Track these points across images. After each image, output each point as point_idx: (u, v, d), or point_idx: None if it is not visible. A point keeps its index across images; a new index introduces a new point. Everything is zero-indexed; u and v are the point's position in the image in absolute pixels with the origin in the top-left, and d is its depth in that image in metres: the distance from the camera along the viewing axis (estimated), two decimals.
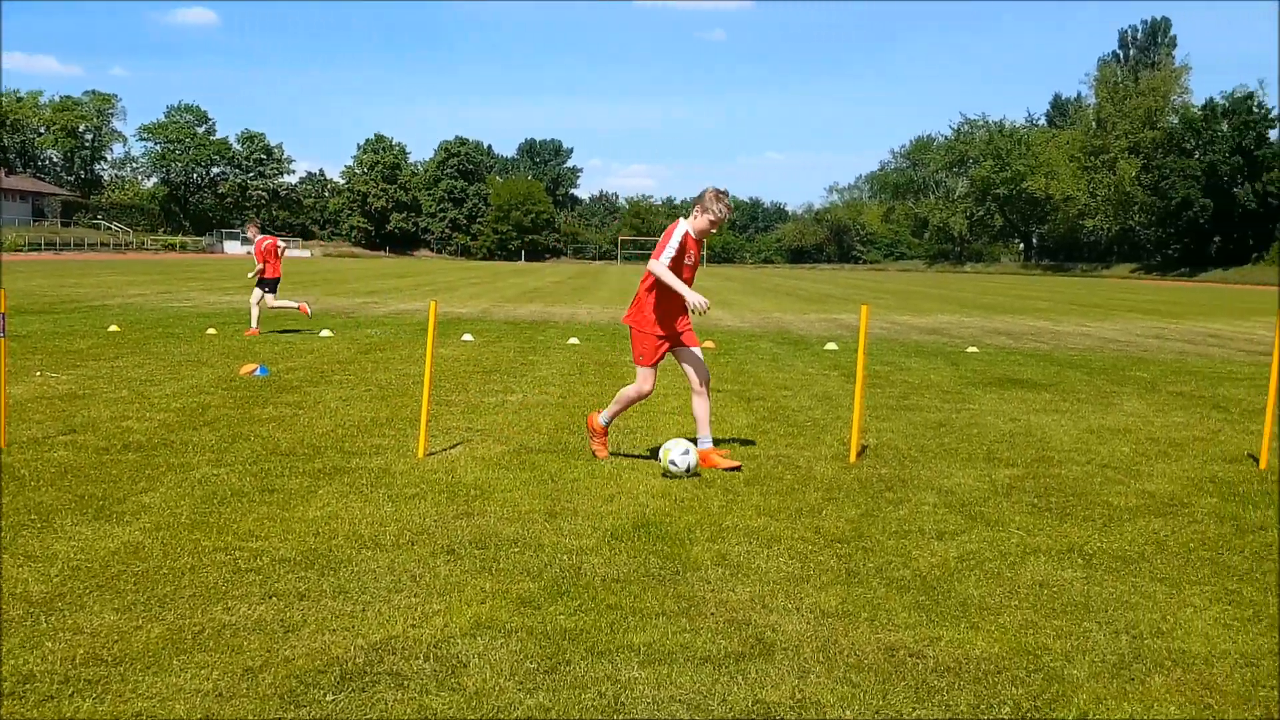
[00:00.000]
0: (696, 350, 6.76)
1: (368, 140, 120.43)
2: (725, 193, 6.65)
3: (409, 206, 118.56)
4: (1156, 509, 5.69)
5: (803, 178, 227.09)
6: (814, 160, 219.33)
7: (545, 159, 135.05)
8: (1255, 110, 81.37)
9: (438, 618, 3.73)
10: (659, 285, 6.50)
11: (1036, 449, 7.39)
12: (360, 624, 3.65)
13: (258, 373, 10.19)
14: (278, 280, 15.04)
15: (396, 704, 3.03)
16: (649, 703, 3.08)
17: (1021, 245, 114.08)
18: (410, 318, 18.76)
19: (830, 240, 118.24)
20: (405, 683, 3.17)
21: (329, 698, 3.06)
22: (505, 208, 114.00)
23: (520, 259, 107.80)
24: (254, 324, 14.69)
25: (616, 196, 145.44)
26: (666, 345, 6.67)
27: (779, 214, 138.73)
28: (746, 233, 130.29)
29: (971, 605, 4.05)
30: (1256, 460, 7.02)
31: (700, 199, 6.62)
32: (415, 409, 8.00)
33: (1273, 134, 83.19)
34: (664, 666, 3.34)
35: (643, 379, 6.66)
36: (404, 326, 16.76)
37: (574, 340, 14.76)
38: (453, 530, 4.88)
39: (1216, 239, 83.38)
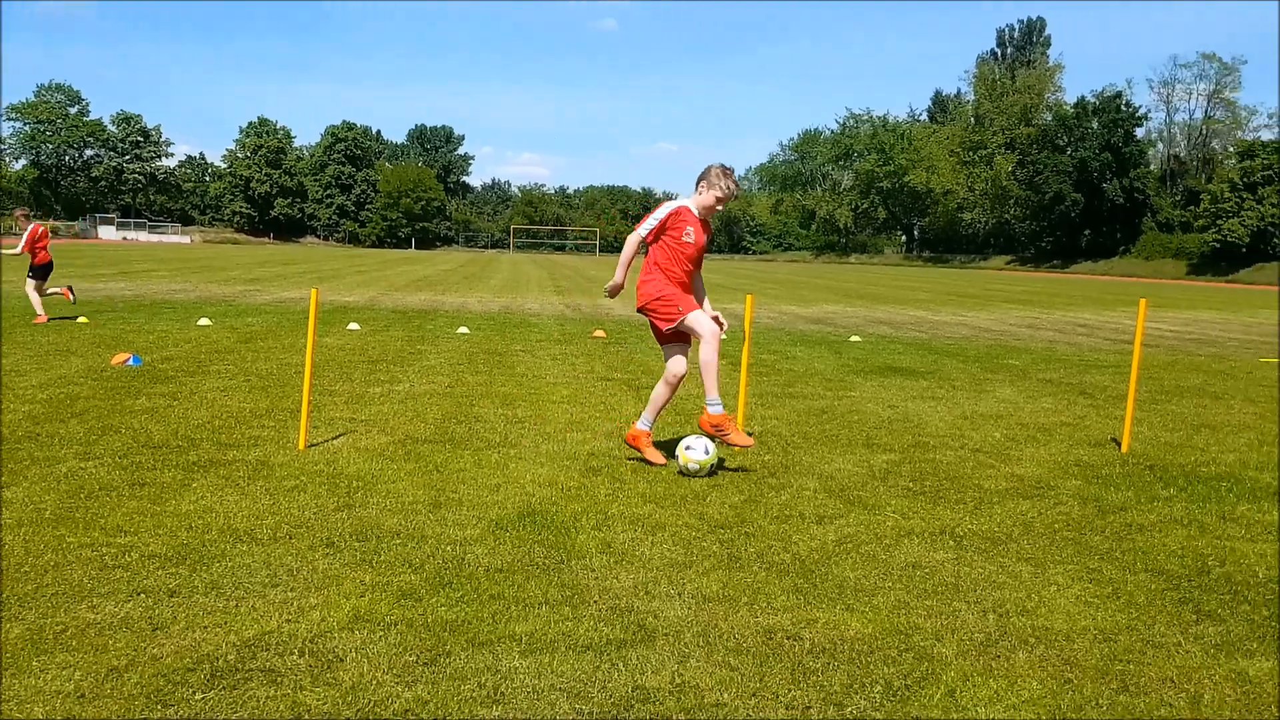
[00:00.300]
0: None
1: (250, 124, 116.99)
2: (731, 170, 6.35)
3: (294, 192, 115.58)
4: (1024, 491, 5.92)
5: (695, 169, 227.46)
6: (705, 151, 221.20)
7: (436, 145, 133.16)
8: (1124, 109, 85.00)
9: (314, 612, 3.66)
10: (657, 263, 6.24)
11: (913, 435, 7.60)
12: (233, 620, 3.56)
13: (130, 363, 9.82)
14: (48, 267, 14.40)
15: (269, 701, 2.97)
16: (529, 692, 3.08)
17: (904, 237, 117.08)
18: (294, 306, 18.31)
19: (721, 230, 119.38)
20: (279, 679, 3.11)
21: (198, 696, 2.98)
22: (395, 194, 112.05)
23: (411, 247, 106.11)
24: (40, 311, 14.00)
25: (509, 185, 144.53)
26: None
27: None
28: (639, 222, 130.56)
29: (847, 587, 4.16)
30: (1119, 444, 7.35)
31: (705, 175, 6.27)
32: (296, 399, 7.82)
33: (1139, 132, 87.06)
34: (545, 655, 3.35)
35: (710, 337, 6.16)
36: (287, 315, 16.34)
37: (464, 329, 14.61)
38: (333, 523, 4.79)
39: (1087, 232, 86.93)
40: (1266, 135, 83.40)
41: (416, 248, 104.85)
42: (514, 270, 43.20)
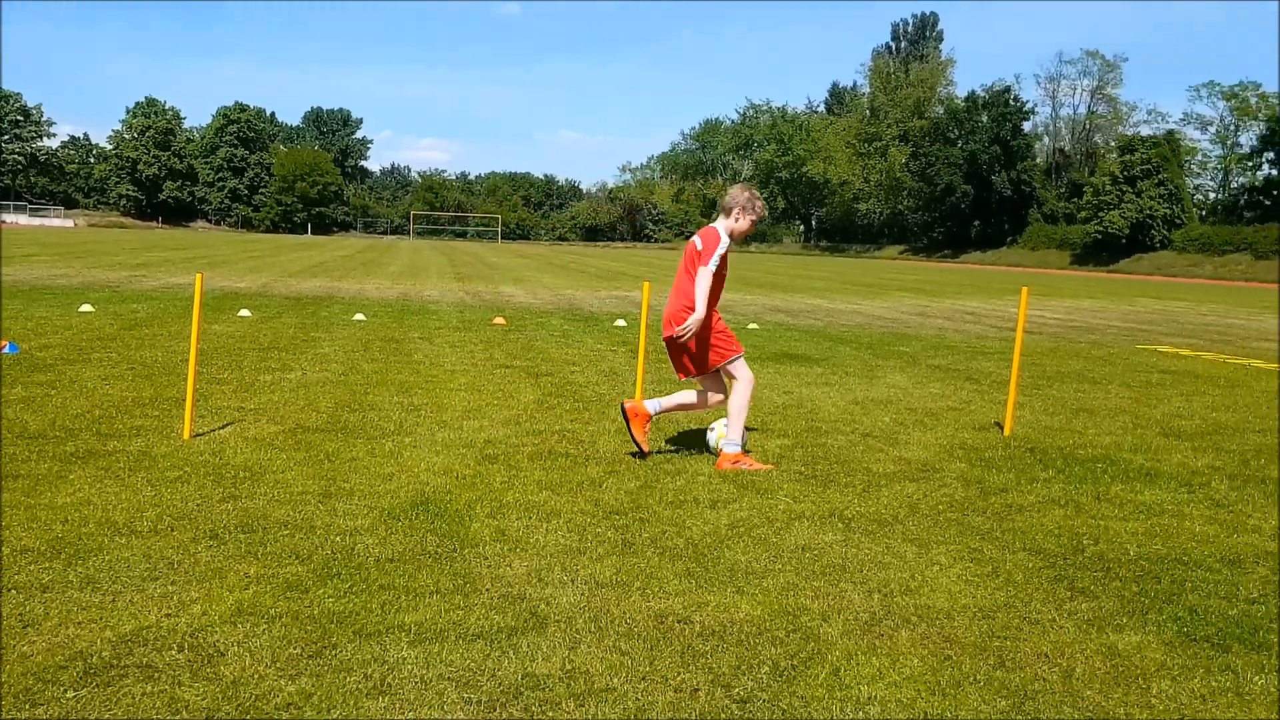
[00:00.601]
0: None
1: (138, 104, 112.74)
2: (758, 193, 6.43)
3: (184, 175, 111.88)
4: (911, 474, 6.08)
5: (597, 156, 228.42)
6: (608, 139, 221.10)
7: (333, 129, 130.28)
8: (1011, 103, 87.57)
9: (195, 606, 3.56)
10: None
11: (807, 420, 7.74)
12: (109, 615, 3.44)
13: (7, 350, 9.40)
14: None
15: (145, 698, 2.88)
16: (417, 682, 3.05)
17: (802, 227, 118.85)
18: (182, 292, 17.74)
19: (623, 219, 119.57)
20: (156, 675, 3.02)
21: (69, 695, 2.87)
22: (290, 178, 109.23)
23: (306, 232, 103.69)
24: None
25: (409, 170, 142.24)
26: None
27: (573, 192, 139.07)
28: (541, 210, 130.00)
29: (739, 570, 4.21)
30: (1001, 427, 7.60)
31: (740, 200, 6.26)
32: (182, 388, 7.58)
33: (1027, 126, 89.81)
34: (435, 645, 3.32)
35: (744, 366, 6.33)
36: (174, 301, 15.83)
37: (360, 316, 14.35)
38: (217, 514, 4.66)
39: (976, 223, 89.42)
40: (1146, 130, 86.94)
41: (313, 233, 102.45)
42: (414, 257, 42.58)
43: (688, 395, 6.50)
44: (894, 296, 26.91)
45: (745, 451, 6.27)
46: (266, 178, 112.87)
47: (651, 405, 6.29)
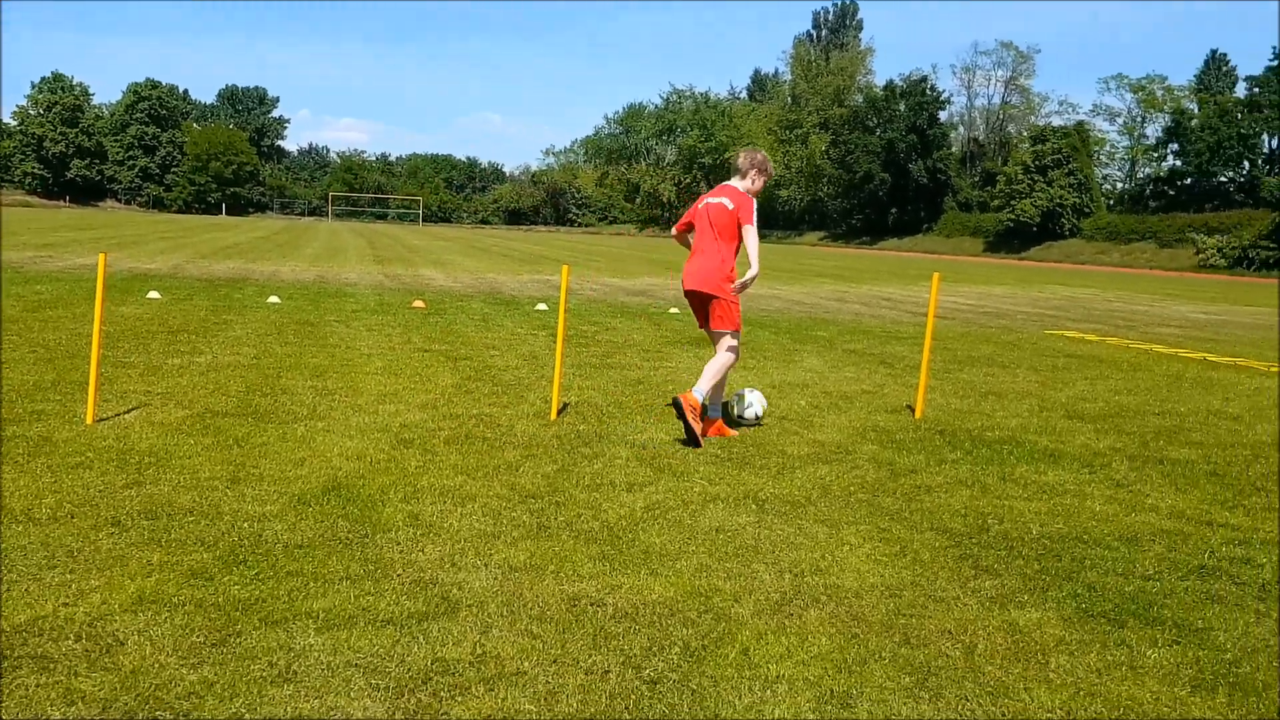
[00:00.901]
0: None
1: (44, 79, 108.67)
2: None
3: (92, 153, 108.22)
4: (825, 456, 6.17)
5: (520, 140, 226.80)
6: (531, 122, 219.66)
7: (249, 107, 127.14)
8: (928, 93, 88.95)
9: (95, 594, 3.46)
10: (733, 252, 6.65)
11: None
12: (3, 605, 3.33)
13: None
14: None
15: (40, 689, 2.80)
16: (323, 669, 3.01)
17: None
18: (88, 273, 17.17)
19: (547, 203, 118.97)
20: (51, 665, 2.93)
21: None
22: (204, 158, 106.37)
23: (221, 213, 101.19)
24: None
25: (327, 150, 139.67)
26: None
27: (496, 175, 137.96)
28: (463, 193, 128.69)
29: (653, 553, 4.24)
30: (913, 410, 7.75)
31: (757, 162, 6.70)
32: (86, 371, 7.35)
33: (943, 115, 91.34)
34: (343, 631, 3.27)
35: (736, 347, 6.76)
36: (80, 283, 15.33)
37: (274, 299, 14.05)
38: (120, 500, 4.54)
39: (894, 210, 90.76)
40: (1057, 121, 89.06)
41: (227, 214, 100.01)
42: (332, 239, 41.83)
43: (707, 368, 6.75)
44: (813, 282, 27.23)
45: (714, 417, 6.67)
46: (179, 157, 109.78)
47: (698, 393, 6.44)
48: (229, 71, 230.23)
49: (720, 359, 6.64)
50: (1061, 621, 3.73)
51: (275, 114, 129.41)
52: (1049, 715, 3.01)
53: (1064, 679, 3.26)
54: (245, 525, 4.30)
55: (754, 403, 6.96)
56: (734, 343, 6.73)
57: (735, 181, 6.78)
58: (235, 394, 7.16)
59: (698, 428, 6.25)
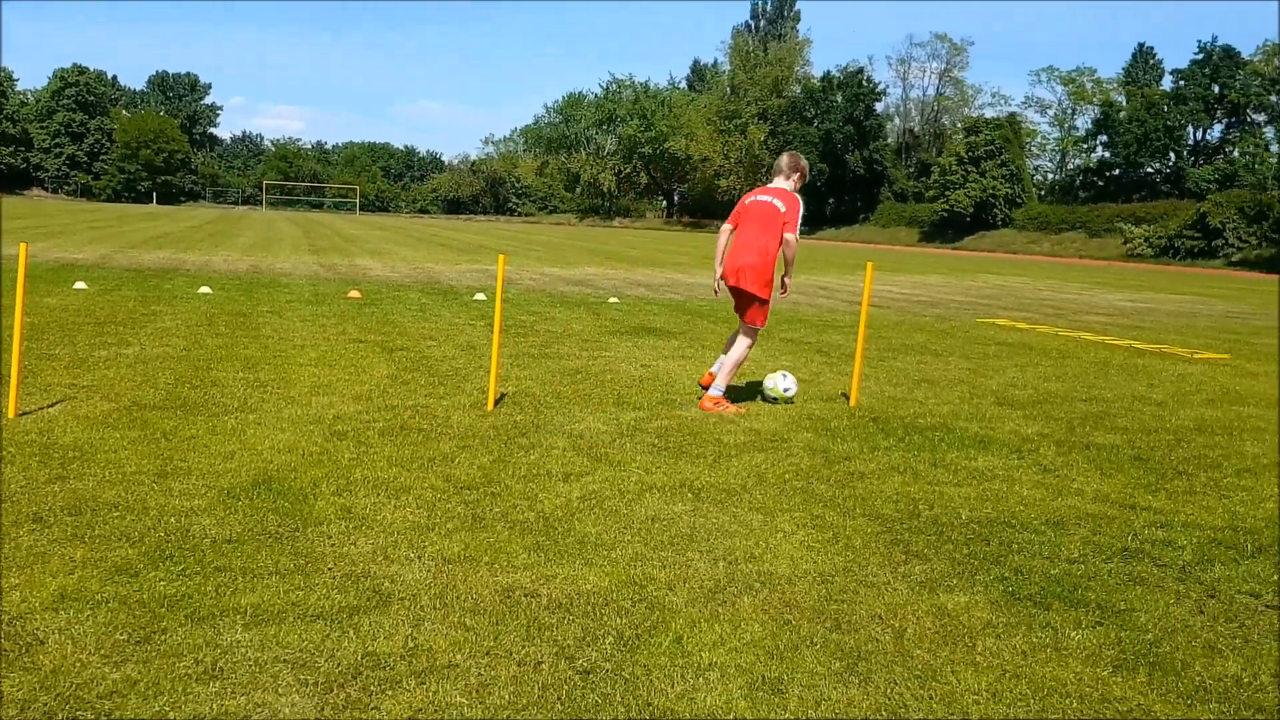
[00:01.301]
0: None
1: None
2: None
3: (17, 140, 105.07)
4: (760, 445, 6.21)
5: (458, 127, 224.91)
6: (470, 110, 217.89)
7: (180, 94, 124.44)
8: (864, 84, 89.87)
9: (15, 593, 3.37)
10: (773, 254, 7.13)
11: (662, 392, 7.82)
12: None
13: None
14: None
15: None
16: (250, 665, 2.96)
17: (665, 202, 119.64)
18: (10, 264, 16.70)
19: (486, 192, 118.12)
20: None
21: None
22: (133, 145, 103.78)
23: (152, 202, 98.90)
24: None
25: (262, 138, 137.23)
26: None
27: (435, 164, 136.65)
28: (401, 182, 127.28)
29: (588, 542, 4.24)
30: (848, 398, 7.84)
31: (801, 166, 7.43)
32: (7, 364, 7.15)
33: (879, 106, 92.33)
34: (271, 627, 3.23)
35: (754, 338, 7.42)
36: (3, 273, 14.89)
37: (206, 289, 13.78)
38: (42, 496, 4.42)
39: (831, 201, 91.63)
40: (990, 112, 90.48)
41: (158, 203, 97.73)
42: (266, 228, 41.12)
43: (727, 358, 7.36)
44: None
45: (726, 397, 7.28)
46: (108, 144, 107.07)
47: (715, 391, 7.20)
48: (159, 57, 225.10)
49: (736, 353, 7.26)
50: (989, 605, 3.81)
51: (208, 101, 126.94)
52: (975, 697, 3.06)
53: (990, 661, 3.32)
54: (172, 520, 4.22)
55: (789, 386, 7.60)
56: (752, 339, 7.40)
57: (780, 181, 7.34)
58: (164, 386, 7.01)
59: (730, 411, 7.04)
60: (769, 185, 7.34)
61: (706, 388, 7.34)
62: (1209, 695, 3.17)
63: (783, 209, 7.08)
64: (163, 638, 3.11)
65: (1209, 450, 6.74)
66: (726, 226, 7.41)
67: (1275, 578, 4.29)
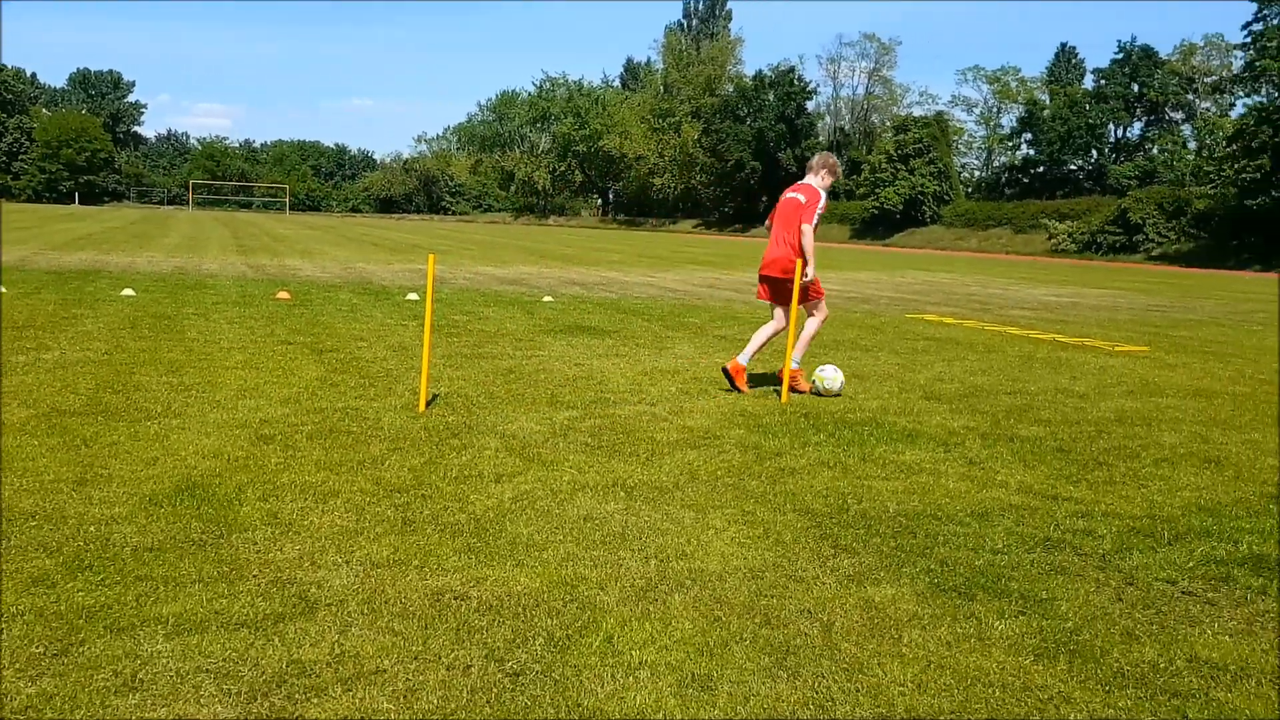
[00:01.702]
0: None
1: None
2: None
3: None
4: (693, 442, 6.24)
5: (390, 125, 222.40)
6: (402, 107, 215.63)
7: (102, 92, 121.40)
8: (796, 83, 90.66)
9: None
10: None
11: (596, 391, 7.82)
12: None
13: None
14: None
15: None
16: (171, 676, 2.91)
17: (600, 200, 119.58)
18: None
19: (420, 191, 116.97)
20: None
21: None
22: (54, 144, 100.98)
23: (74, 202, 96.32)
24: None
25: (187, 137, 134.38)
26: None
27: (367, 162, 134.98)
28: (332, 180, 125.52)
29: (520, 543, 4.22)
30: (779, 394, 7.91)
31: (828, 163, 8.02)
32: None
33: (810, 105, 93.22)
34: (193, 636, 3.17)
35: (821, 314, 8.24)
36: None
37: (129, 291, 13.47)
38: None
39: (764, 198, 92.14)
40: (918, 111, 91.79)
41: (81, 203, 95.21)
42: (193, 228, 40.29)
43: (761, 335, 8.19)
44: (686, 269, 27.50)
45: (797, 369, 8.04)
46: (27, 143, 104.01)
47: (743, 358, 8.05)
48: (80, 53, 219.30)
49: (812, 324, 8.15)
50: (915, 597, 3.87)
51: (131, 99, 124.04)
52: (901, 689, 3.11)
53: (916, 653, 3.38)
54: (91, 529, 4.12)
55: (835, 378, 8.08)
56: (822, 309, 8.23)
57: (809, 178, 7.98)
58: (84, 392, 6.84)
59: (804, 387, 7.96)
60: (800, 183, 8.05)
61: (733, 375, 7.94)
62: (1126, 681, 3.26)
63: (804, 201, 7.78)
64: (81, 650, 3.04)
65: (1128, 441, 6.92)
66: (767, 223, 8.27)
67: (1190, 564, 4.42)
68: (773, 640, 3.40)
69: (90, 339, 9.23)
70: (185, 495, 4.63)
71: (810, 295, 8.06)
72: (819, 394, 7.98)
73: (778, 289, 8.07)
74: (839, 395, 8.00)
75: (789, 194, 8.01)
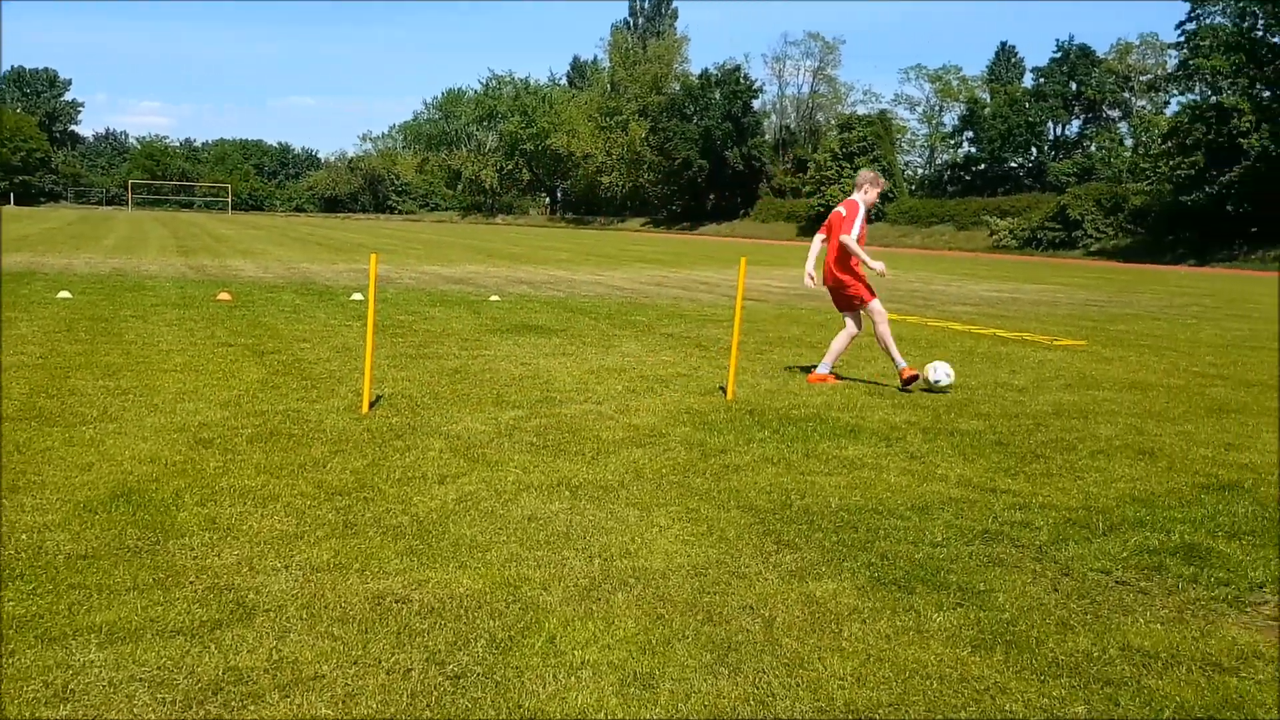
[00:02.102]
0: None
1: None
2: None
3: None
4: (639, 440, 6.25)
5: (334, 123, 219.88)
6: (346, 105, 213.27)
7: (37, 90, 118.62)
8: (741, 82, 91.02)
9: None
10: (846, 250, 8.52)
11: (542, 390, 7.80)
12: None
13: None
14: None
15: None
16: (104, 685, 2.85)
17: (548, 199, 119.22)
18: None
19: (365, 190, 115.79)
20: None
21: None
22: None
23: (9, 203, 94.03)
24: None
25: (126, 136, 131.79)
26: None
27: (311, 161, 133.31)
28: (276, 179, 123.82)
29: (463, 545, 4.20)
30: (725, 391, 7.95)
31: (869, 178, 8.74)
32: None
33: (756, 103, 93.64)
34: (127, 645, 3.11)
35: (880, 316, 8.72)
36: None
37: (65, 294, 13.19)
38: None
39: (712, 196, 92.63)
40: (862, 109, 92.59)
41: (16, 204, 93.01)
42: (132, 229, 39.53)
43: (838, 343, 8.83)
44: (634, 267, 27.51)
45: (830, 374, 8.74)
46: None
47: (823, 369, 8.74)
48: (14, 51, 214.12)
49: (882, 334, 8.66)
50: (856, 591, 3.91)
51: (68, 97, 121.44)
52: (840, 683, 3.15)
53: (855, 646, 3.41)
54: (23, 537, 4.03)
55: (944, 373, 8.48)
56: (879, 310, 8.71)
57: (854, 194, 8.69)
58: (18, 397, 6.69)
59: (912, 378, 8.41)
60: (846, 198, 8.76)
61: (904, 374, 8.47)
62: (1060, 671, 3.32)
63: (845, 214, 8.51)
64: (11, 660, 2.97)
65: (1066, 434, 7.05)
66: (818, 235, 8.96)
67: (1124, 554, 4.51)
68: (715, 637, 3.42)
69: (25, 343, 9.02)
70: (121, 501, 4.55)
71: (855, 305, 8.73)
72: (928, 389, 8.49)
73: (835, 298, 8.93)
74: (946, 391, 8.44)
75: (835, 209, 8.74)
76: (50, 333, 9.73)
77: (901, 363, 8.58)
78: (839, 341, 8.79)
